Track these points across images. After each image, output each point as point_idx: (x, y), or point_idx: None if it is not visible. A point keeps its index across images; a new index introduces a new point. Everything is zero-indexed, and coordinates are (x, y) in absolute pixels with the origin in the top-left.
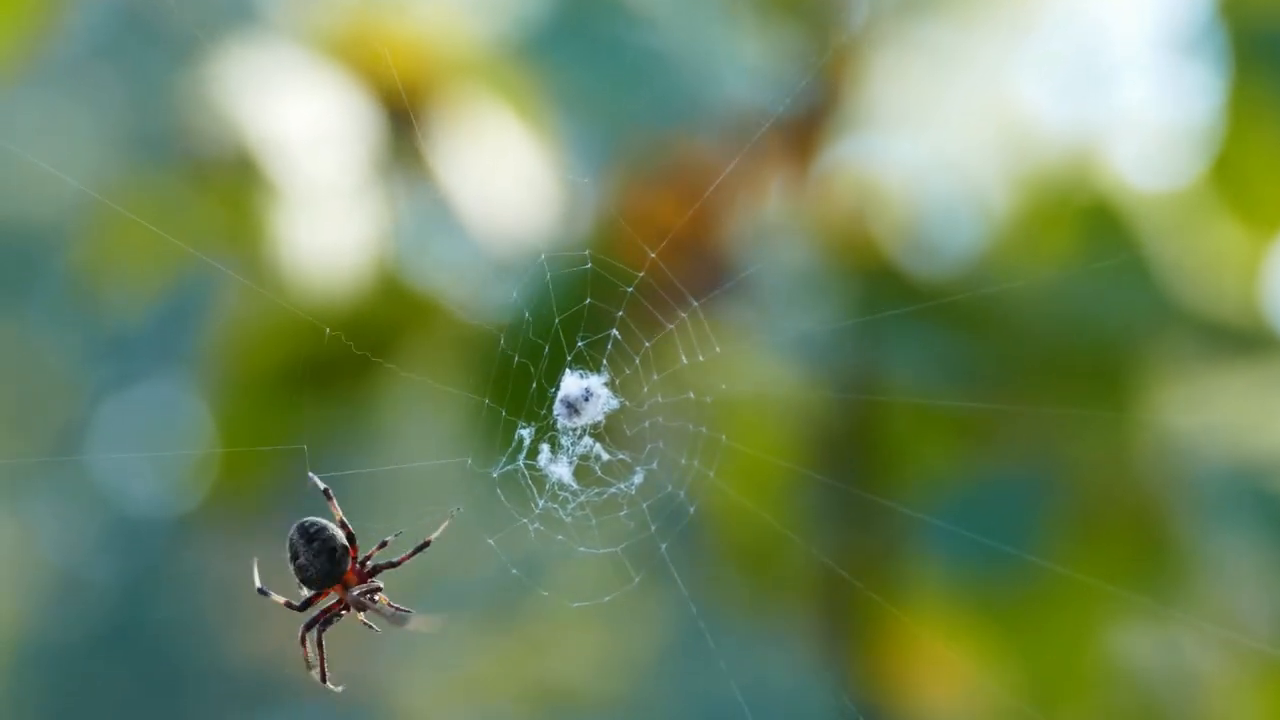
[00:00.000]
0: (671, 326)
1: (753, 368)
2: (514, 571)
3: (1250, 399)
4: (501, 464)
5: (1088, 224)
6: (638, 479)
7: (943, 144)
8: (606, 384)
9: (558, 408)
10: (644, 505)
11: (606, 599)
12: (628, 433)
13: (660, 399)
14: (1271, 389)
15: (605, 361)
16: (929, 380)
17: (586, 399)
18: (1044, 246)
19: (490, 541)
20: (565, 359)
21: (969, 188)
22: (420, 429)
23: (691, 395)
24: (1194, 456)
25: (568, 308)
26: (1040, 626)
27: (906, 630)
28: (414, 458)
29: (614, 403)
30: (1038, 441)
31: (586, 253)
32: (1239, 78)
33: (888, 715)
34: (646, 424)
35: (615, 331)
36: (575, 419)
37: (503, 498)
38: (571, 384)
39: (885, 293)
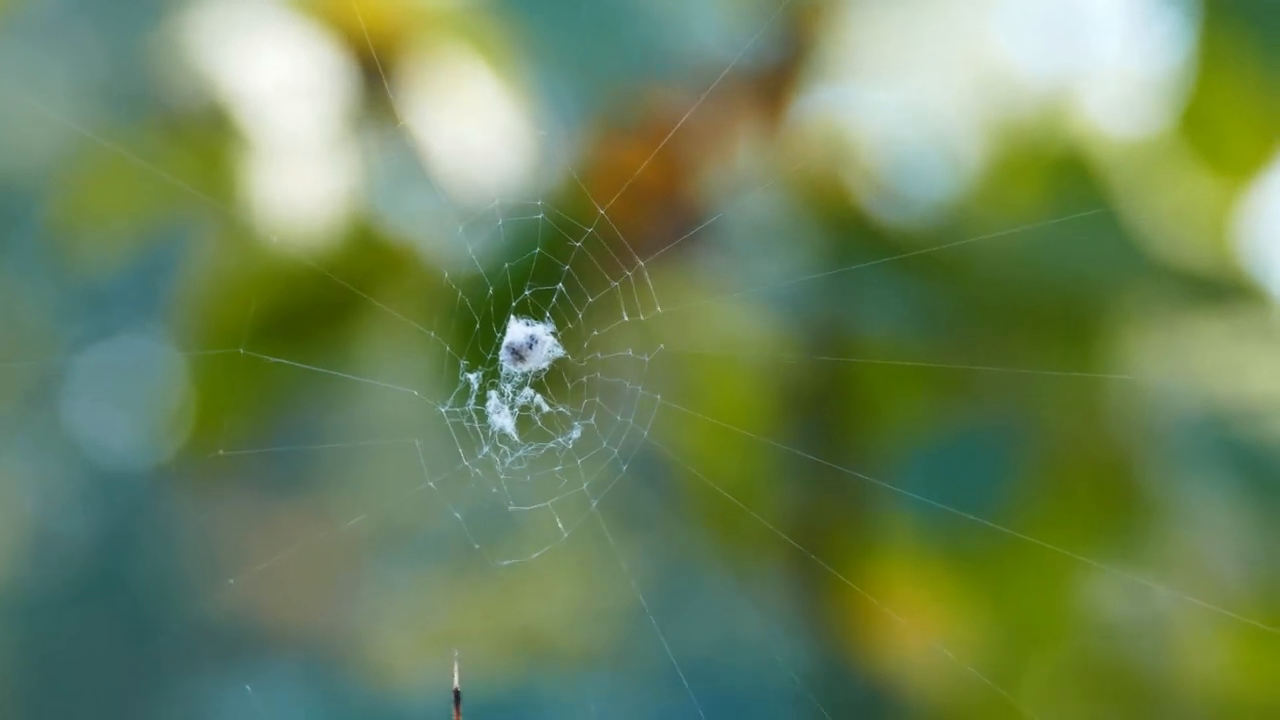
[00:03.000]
0: (616, 284)
1: (720, 317)
2: (456, 516)
3: (1221, 348)
4: (449, 403)
5: (1060, 173)
6: (575, 434)
7: (915, 93)
8: (551, 332)
9: (503, 353)
10: (579, 461)
11: (534, 555)
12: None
13: (600, 354)
14: (1243, 338)
15: (558, 312)
16: (898, 330)
17: (530, 346)
18: (1016, 196)
19: (430, 484)
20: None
21: (941, 137)
22: (390, 375)
23: (630, 352)
24: (1165, 406)
25: (534, 260)
26: (1010, 577)
27: (875, 583)
28: (383, 406)
29: (559, 350)
30: (1008, 391)
31: (584, 225)
32: (1210, 25)
33: (856, 667)
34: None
35: (604, 297)
36: (520, 365)
37: (455, 438)
38: (516, 330)
39: (856, 242)
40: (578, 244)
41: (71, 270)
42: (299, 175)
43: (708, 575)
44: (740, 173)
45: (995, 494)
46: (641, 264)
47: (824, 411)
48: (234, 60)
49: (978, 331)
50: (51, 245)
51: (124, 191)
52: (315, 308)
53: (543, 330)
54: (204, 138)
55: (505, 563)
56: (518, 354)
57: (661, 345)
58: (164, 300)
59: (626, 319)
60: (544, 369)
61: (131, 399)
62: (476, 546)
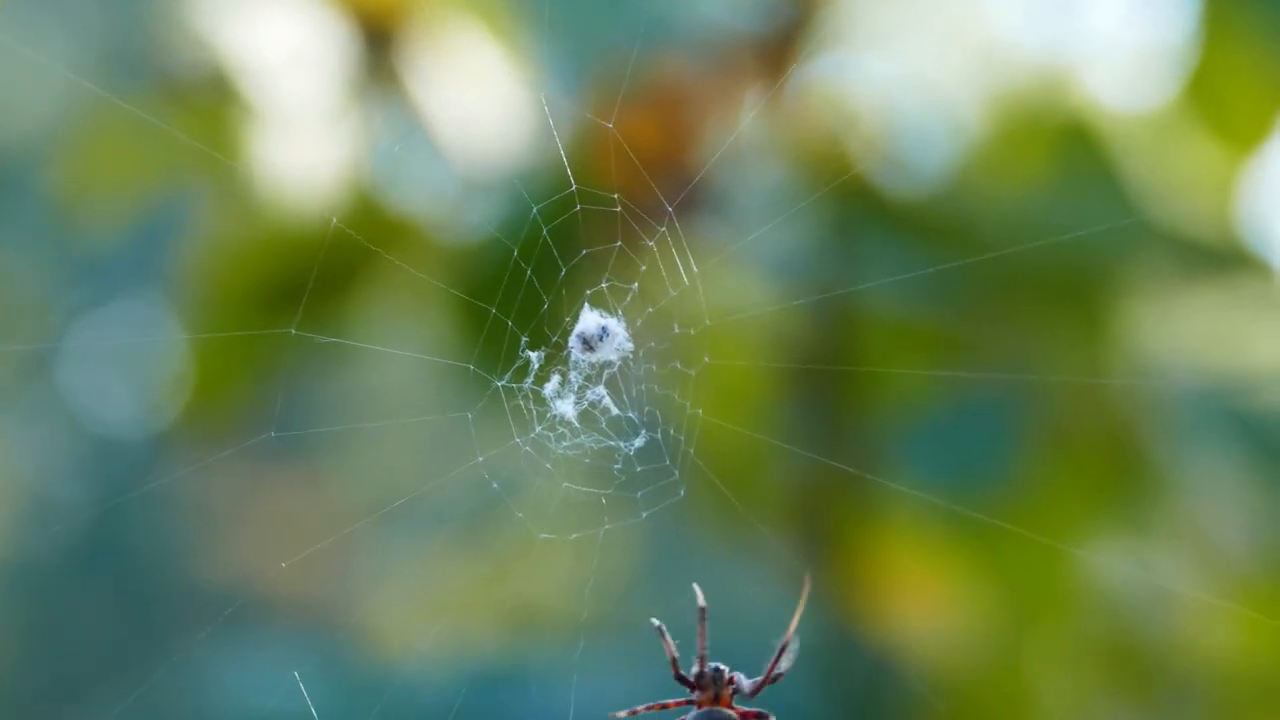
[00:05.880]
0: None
1: (728, 288)
2: (494, 486)
3: (1225, 318)
4: (506, 378)
5: (1063, 143)
6: (639, 441)
7: (917, 62)
8: (624, 326)
9: (573, 340)
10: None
11: (573, 536)
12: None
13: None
14: (1246, 308)
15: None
16: (903, 299)
17: (602, 337)
18: (1019, 165)
19: (480, 458)
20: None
21: (943, 107)
22: (400, 342)
23: (678, 365)
24: (1168, 375)
25: (614, 252)
26: (1014, 547)
27: (881, 553)
28: (393, 377)
29: (629, 345)
30: (1012, 361)
31: (616, 196)
32: None
33: (863, 637)
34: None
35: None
36: (589, 355)
37: (507, 411)
38: (590, 320)
39: (860, 211)
40: (650, 242)
41: (78, 236)
42: (303, 143)
43: (718, 554)
44: (744, 140)
45: (999, 466)
46: (696, 270)
47: (830, 381)
48: (239, 27)
49: (982, 301)
50: (53, 212)
51: (128, 158)
52: (322, 277)
53: (616, 323)
54: (208, 104)
55: (544, 536)
56: (588, 343)
57: (707, 359)
58: (167, 267)
59: (677, 331)
60: (613, 361)
61: (154, 375)
62: (519, 515)
